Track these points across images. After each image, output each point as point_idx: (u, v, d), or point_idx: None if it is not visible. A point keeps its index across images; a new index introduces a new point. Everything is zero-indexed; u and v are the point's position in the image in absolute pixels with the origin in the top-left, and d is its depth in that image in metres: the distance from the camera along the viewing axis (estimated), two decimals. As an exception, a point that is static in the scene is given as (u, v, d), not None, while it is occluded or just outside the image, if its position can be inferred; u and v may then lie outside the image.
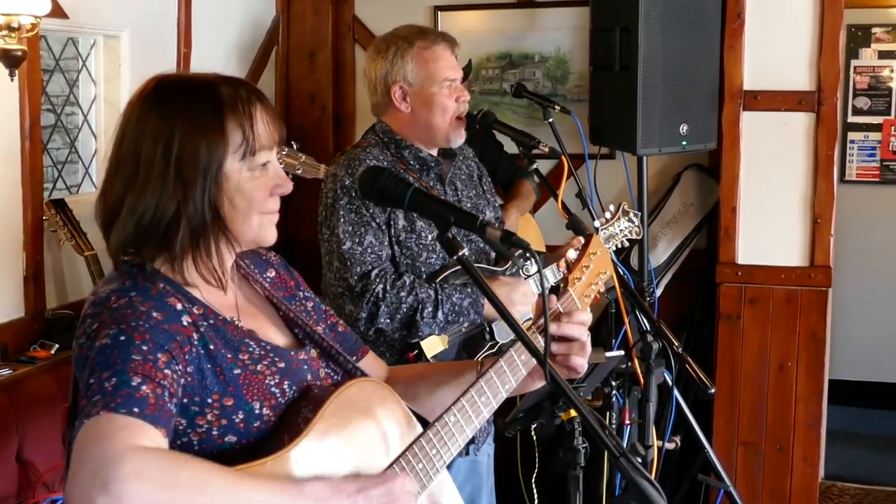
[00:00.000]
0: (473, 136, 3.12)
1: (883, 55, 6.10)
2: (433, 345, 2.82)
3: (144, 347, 1.48)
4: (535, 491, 3.58)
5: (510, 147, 4.12)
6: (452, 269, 2.86)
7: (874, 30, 6.10)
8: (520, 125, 3.73)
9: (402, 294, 2.74)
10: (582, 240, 2.24)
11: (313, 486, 1.52)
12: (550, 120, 3.30)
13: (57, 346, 3.30)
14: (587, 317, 1.94)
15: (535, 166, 3.12)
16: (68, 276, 3.54)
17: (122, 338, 1.49)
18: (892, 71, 6.08)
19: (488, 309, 2.81)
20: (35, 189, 3.36)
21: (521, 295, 2.81)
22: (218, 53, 4.37)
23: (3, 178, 3.27)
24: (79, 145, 3.87)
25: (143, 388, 1.43)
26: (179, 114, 1.63)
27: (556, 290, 2.08)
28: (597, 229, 2.93)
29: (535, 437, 3.64)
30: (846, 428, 5.61)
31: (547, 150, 3.06)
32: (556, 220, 3.39)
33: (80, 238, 3.38)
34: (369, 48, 2.98)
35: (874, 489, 4.88)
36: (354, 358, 1.98)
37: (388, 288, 2.73)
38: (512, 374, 1.88)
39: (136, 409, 1.40)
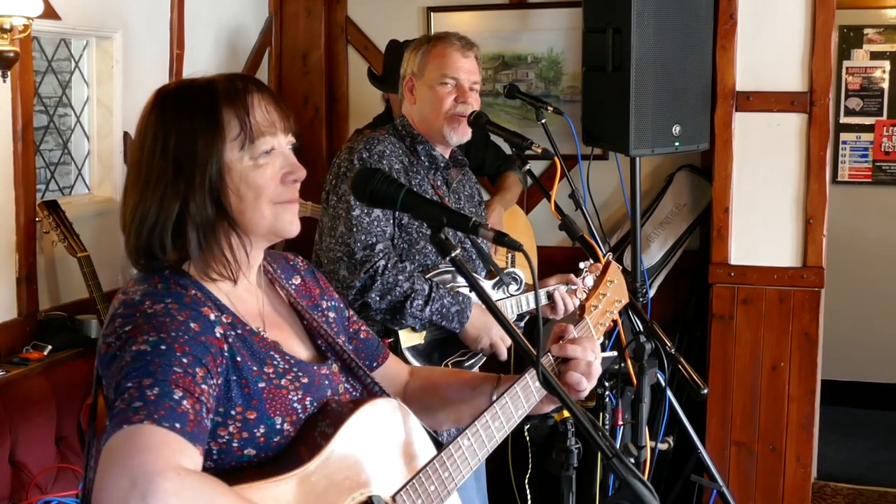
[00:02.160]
0: None
1: (875, 56, 6.11)
2: (410, 336, 2.84)
3: (185, 360, 1.48)
4: (528, 491, 3.58)
5: (503, 148, 4.13)
6: (445, 269, 2.87)
7: (866, 31, 6.11)
8: (513, 126, 3.74)
9: (401, 277, 2.76)
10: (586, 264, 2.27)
11: None
12: (543, 121, 3.29)
13: (50, 347, 3.29)
14: (593, 343, 1.95)
15: (527, 167, 3.13)
16: (61, 278, 3.54)
17: (163, 347, 1.48)
18: (884, 72, 6.09)
19: (469, 331, 2.86)
20: (28, 190, 3.36)
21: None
22: (211, 55, 4.37)
23: (-4, 179, 3.27)
24: (71, 147, 3.86)
25: (185, 403, 1.43)
26: (176, 114, 1.64)
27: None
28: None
29: (528, 438, 3.65)
30: (839, 428, 5.62)
31: (540, 150, 3.06)
32: (548, 221, 3.39)
33: (73, 239, 3.38)
34: None
35: (866, 489, 4.89)
36: (376, 364, 1.99)
37: (388, 266, 2.76)
38: (526, 400, 1.90)
39: (177, 425, 1.40)
